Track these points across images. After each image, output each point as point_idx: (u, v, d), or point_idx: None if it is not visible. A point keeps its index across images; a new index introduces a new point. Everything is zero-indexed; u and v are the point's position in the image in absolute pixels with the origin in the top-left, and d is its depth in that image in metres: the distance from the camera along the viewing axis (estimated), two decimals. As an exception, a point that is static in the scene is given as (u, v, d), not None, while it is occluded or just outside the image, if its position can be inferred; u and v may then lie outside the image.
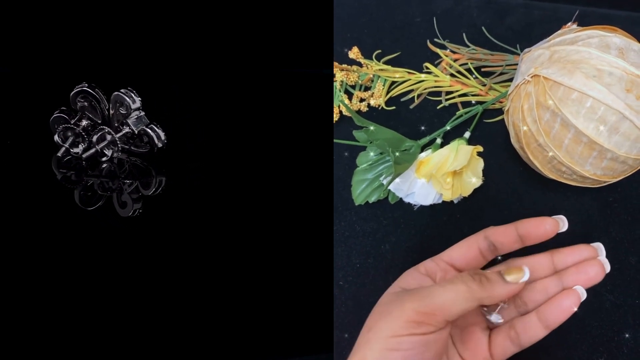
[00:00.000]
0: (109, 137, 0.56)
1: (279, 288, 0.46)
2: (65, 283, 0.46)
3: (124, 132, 0.56)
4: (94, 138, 0.56)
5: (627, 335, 0.50)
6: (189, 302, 0.44)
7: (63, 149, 0.56)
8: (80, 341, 0.42)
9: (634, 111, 0.44)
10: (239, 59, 0.69)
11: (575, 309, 0.45)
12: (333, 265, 0.52)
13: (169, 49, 0.68)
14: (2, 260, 0.47)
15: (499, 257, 0.48)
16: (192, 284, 0.46)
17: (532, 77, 0.46)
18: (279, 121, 0.62)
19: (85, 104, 0.56)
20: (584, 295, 0.45)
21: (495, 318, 0.46)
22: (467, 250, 0.48)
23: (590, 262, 0.46)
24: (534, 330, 0.45)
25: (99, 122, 0.57)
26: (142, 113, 0.56)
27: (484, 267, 0.48)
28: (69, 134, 0.57)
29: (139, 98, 0.55)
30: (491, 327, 0.47)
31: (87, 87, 0.56)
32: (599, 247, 0.47)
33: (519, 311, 0.47)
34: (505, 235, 0.47)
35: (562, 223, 0.47)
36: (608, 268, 0.46)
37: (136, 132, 0.56)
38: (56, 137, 0.56)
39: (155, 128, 0.56)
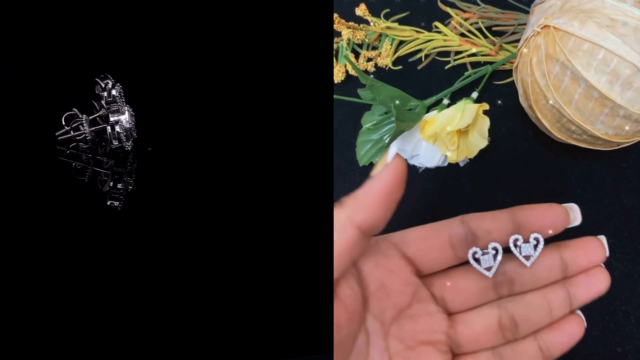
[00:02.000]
0: (84, 127, 0.56)
1: (278, 288, 0.45)
2: (63, 278, 0.46)
3: (101, 127, 0.56)
4: (73, 124, 0.56)
5: (635, 304, 0.48)
6: (188, 302, 0.44)
7: (63, 129, 0.56)
8: (76, 337, 0.42)
9: (648, 64, 0.42)
10: (239, 58, 0.68)
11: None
12: (333, 264, 0.51)
13: (170, 48, 0.68)
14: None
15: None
16: (191, 283, 0.45)
17: (541, 28, 0.44)
18: (278, 120, 0.61)
19: (103, 93, 0.57)
20: (585, 324, 0.39)
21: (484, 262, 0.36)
22: (428, 233, 0.36)
23: (600, 273, 0.38)
24: None
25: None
26: (118, 108, 0.56)
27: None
28: (77, 118, 0.57)
29: (105, 92, 0.55)
30: (456, 352, 0.36)
31: (99, 78, 0.56)
32: (604, 240, 0.39)
33: (504, 336, 0.37)
34: (494, 221, 0.36)
35: (572, 214, 0.37)
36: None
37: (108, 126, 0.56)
38: (63, 119, 0.57)
39: (114, 127, 0.55)
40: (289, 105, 0.63)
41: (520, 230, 0.36)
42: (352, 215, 0.32)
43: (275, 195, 0.53)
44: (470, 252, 0.36)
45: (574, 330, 0.37)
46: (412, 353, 0.34)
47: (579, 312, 0.38)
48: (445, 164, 0.54)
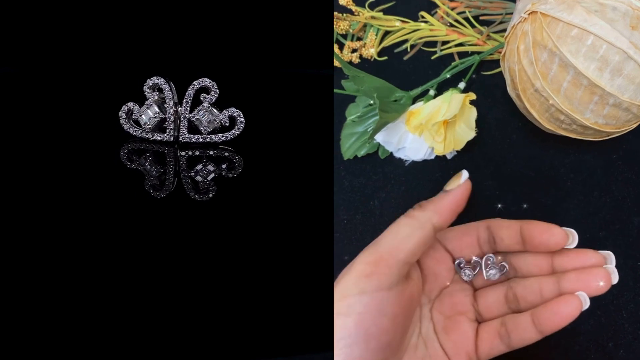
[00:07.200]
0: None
1: (278, 287, 0.45)
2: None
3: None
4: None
5: (626, 298, 0.47)
6: (188, 300, 0.43)
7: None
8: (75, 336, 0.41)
9: (639, 50, 0.40)
10: (238, 58, 0.69)
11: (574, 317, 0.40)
12: (333, 263, 0.50)
13: (169, 47, 0.69)
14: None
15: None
16: (190, 282, 0.45)
17: (529, 14, 0.43)
18: (278, 121, 0.61)
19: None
20: (586, 304, 0.40)
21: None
22: (464, 233, 0.44)
23: (596, 270, 0.40)
24: (526, 332, 0.41)
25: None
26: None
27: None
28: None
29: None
30: (480, 320, 0.43)
31: (160, 79, 0.56)
32: (609, 256, 0.41)
33: (510, 307, 0.43)
34: (508, 230, 0.42)
35: (571, 237, 0.41)
36: (615, 279, 0.40)
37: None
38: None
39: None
40: (288, 105, 0.63)
41: (525, 241, 0.42)
42: (431, 217, 0.40)
43: (275, 195, 0.52)
44: (457, 262, 0.44)
45: (566, 310, 0.40)
46: (449, 321, 0.43)
47: (584, 297, 0.40)
48: (432, 157, 0.53)
